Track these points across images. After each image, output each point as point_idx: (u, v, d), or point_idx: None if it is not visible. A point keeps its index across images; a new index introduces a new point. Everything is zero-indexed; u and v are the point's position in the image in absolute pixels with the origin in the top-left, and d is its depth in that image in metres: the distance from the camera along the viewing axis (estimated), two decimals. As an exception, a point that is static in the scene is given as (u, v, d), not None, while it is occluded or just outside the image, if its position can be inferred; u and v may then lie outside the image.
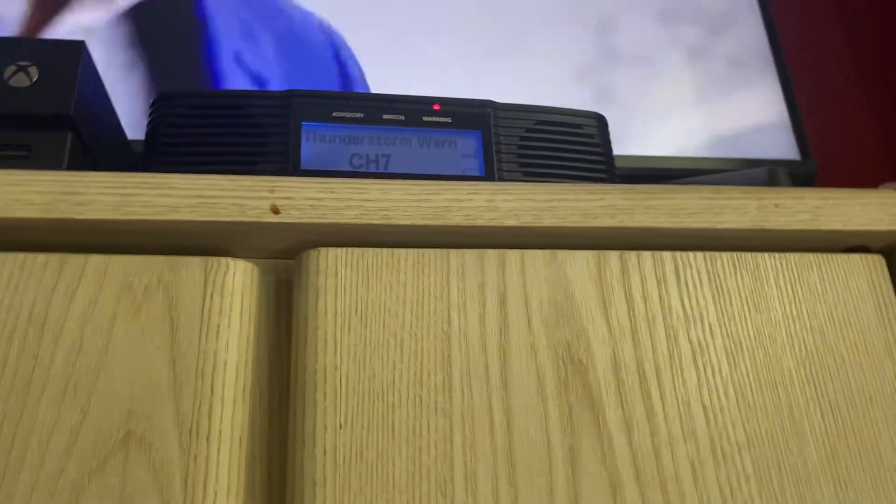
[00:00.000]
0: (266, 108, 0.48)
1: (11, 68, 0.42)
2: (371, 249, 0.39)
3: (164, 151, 0.47)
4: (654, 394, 0.38)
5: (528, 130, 0.50)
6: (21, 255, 0.37)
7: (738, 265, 0.41)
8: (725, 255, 0.41)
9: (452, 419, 0.36)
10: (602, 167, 0.50)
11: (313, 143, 0.47)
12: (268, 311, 0.40)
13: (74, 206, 0.37)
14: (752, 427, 0.38)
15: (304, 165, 0.47)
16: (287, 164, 0.46)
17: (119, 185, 0.38)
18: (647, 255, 0.41)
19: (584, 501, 0.35)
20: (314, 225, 0.39)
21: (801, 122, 0.71)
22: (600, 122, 0.52)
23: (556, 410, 0.37)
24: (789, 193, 0.43)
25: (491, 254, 0.40)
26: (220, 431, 0.35)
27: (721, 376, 0.38)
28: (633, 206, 0.41)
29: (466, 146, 0.49)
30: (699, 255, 0.41)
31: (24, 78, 0.41)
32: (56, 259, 0.37)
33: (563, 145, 0.50)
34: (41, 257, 0.37)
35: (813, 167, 0.71)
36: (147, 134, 0.48)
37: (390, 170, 0.48)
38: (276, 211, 0.38)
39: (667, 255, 0.41)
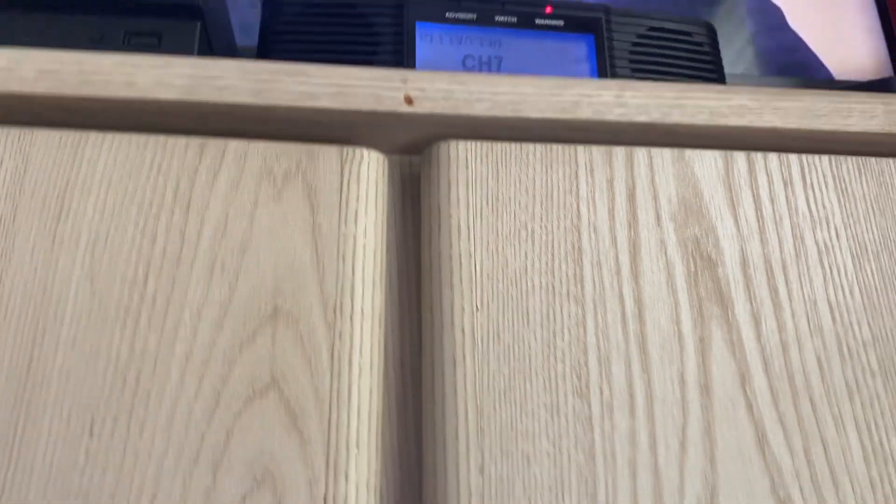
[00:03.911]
0: (379, 9, 0.48)
1: (139, -45, 0.42)
2: (500, 143, 0.39)
3: (276, 56, 0.47)
4: (782, 291, 0.38)
5: (639, 36, 0.49)
6: (163, 137, 0.38)
7: (862, 170, 0.41)
8: (850, 160, 0.41)
9: (585, 307, 0.36)
10: (713, 77, 0.50)
11: (427, 43, 0.47)
12: (394, 203, 0.40)
13: (215, 91, 0.38)
14: (878, 326, 0.38)
15: (418, 67, 0.47)
16: (402, 64, 0.46)
17: (257, 71, 0.38)
18: (773, 156, 0.41)
19: (715, 388, 0.36)
20: (445, 117, 0.39)
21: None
22: (710, 31, 0.51)
23: (686, 303, 0.37)
24: (916, 100, 0.42)
25: (619, 150, 0.40)
26: (361, 310, 0.36)
27: (847, 277, 0.39)
28: (762, 107, 0.41)
29: (578, 50, 0.48)
30: (825, 158, 0.41)
31: (152, -35, 0.42)
32: (196, 142, 0.38)
33: (675, 52, 0.50)
34: (182, 140, 0.38)
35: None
36: (260, 36, 0.48)
37: (502, 72, 0.48)
38: (409, 101, 0.39)
39: (793, 157, 0.41)
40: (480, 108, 0.39)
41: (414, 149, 0.42)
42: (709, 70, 0.50)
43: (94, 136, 0.37)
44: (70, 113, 0.38)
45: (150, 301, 0.35)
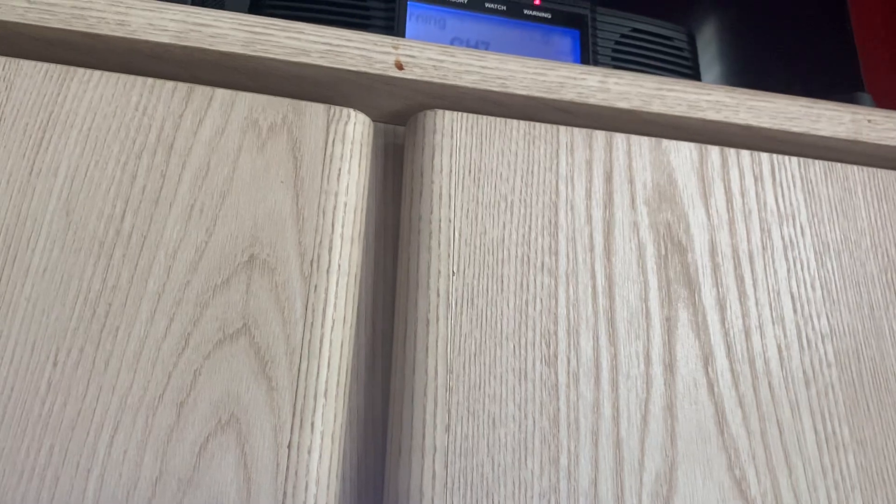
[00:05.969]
0: (372, -15, 0.49)
1: None
2: (485, 117, 0.40)
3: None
4: (748, 279, 0.39)
5: (623, 36, 0.51)
6: (150, 80, 0.38)
7: (829, 173, 0.43)
8: (818, 164, 0.43)
9: (557, 279, 0.37)
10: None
11: (417, 22, 0.48)
12: (376, 168, 0.41)
13: (206, 38, 0.38)
14: (836, 320, 0.39)
15: (407, 42, 0.47)
16: (391, 38, 0.47)
17: (250, 23, 0.38)
18: (745, 153, 0.42)
19: (679, 366, 0.36)
20: (433, 85, 0.40)
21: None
22: (690, 37, 0.53)
23: (655, 283, 0.38)
24: (881, 112, 0.44)
25: (599, 134, 0.41)
26: (339, 265, 0.36)
27: (809, 271, 0.40)
28: (738, 104, 0.42)
29: (563, 44, 0.50)
30: (794, 159, 0.43)
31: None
32: (184, 88, 0.38)
33: (656, 54, 0.51)
34: (169, 84, 0.38)
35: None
36: (251, 4, 0.49)
37: (488, 58, 0.49)
38: (400, 67, 0.39)
39: (764, 155, 0.42)
40: (468, 80, 0.40)
41: (399, 119, 0.42)
42: (687, 75, 0.52)
43: (81, 72, 0.37)
44: (58, 47, 0.38)
45: (125, 237, 0.34)
